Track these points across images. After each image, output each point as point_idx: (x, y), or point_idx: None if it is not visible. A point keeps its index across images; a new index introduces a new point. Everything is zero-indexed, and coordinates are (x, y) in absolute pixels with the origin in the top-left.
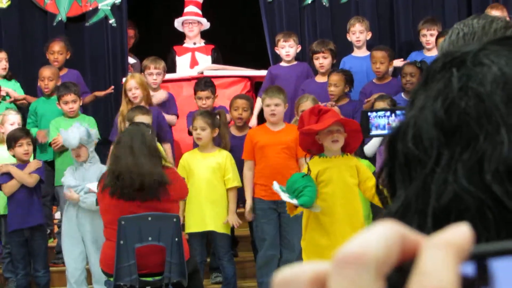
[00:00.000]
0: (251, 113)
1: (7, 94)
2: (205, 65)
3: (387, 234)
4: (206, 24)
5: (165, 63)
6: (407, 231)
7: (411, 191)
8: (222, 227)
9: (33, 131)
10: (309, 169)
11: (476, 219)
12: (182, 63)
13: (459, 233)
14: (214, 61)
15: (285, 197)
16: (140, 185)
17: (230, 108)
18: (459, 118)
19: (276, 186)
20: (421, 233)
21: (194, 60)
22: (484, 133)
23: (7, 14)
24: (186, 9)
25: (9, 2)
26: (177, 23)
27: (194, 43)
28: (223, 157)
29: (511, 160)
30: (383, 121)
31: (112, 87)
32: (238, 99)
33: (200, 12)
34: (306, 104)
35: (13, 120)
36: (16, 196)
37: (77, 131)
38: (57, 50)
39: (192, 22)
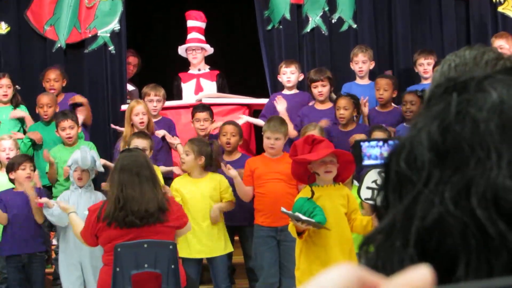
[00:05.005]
0: (240, 139)
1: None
2: (208, 91)
3: (344, 277)
4: (209, 50)
5: (171, 90)
6: (366, 273)
7: (399, 209)
8: (224, 248)
9: (30, 151)
10: (312, 192)
11: (458, 242)
12: (187, 89)
13: (420, 275)
14: (220, 86)
15: (303, 217)
16: (145, 212)
17: (219, 133)
18: (454, 141)
19: (284, 209)
20: (403, 252)
21: (199, 86)
22: (476, 158)
23: (6, 40)
24: (189, 36)
25: (8, 28)
26: (181, 50)
27: (199, 70)
28: (217, 180)
29: (498, 186)
30: (375, 151)
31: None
32: (226, 125)
33: (203, 38)
34: (314, 133)
35: (4, 146)
36: (17, 221)
37: (89, 153)
38: (53, 78)
39: (195, 48)
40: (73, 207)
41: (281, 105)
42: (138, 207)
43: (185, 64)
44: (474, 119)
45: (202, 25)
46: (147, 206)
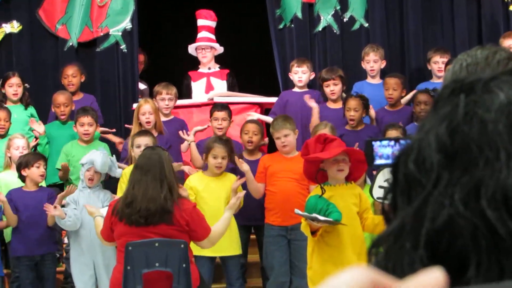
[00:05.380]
0: (262, 138)
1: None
2: (219, 90)
3: (357, 280)
4: (219, 49)
5: (180, 88)
6: (378, 275)
7: (408, 212)
8: (234, 249)
9: (46, 150)
10: (323, 189)
11: (468, 243)
12: (198, 88)
13: (433, 278)
14: (230, 85)
15: (321, 217)
16: (147, 211)
17: (241, 132)
18: (462, 142)
19: (299, 211)
20: (413, 254)
21: (210, 85)
22: (484, 159)
23: (18, 39)
24: (199, 35)
25: (20, 27)
26: (191, 49)
27: (209, 68)
28: (232, 180)
29: (508, 186)
30: (387, 151)
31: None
32: (248, 123)
33: (213, 37)
34: (325, 131)
35: (18, 144)
36: (28, 222)
37: (109, 159)
38: (71, 73)
39: (205, 47)
40: (99, 211)
41: (315, 103)
42: (140, 205)
43: (195, 63)
44: (482, 120)
45: (212, 24)
46: (148, 204)
